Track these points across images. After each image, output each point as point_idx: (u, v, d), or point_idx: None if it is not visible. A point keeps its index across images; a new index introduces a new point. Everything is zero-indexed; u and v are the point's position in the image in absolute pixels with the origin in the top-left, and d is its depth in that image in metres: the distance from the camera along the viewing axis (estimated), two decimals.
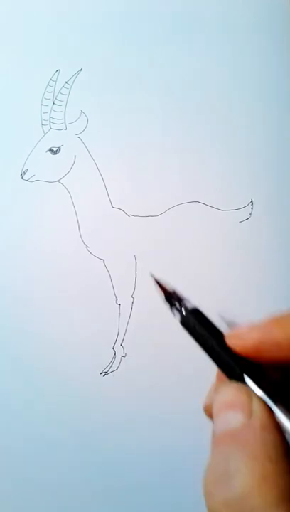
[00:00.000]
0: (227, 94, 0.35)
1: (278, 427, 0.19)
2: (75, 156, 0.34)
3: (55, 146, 0.34)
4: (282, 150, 0.35)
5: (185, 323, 0.23)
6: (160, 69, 0.35)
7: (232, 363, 0.21)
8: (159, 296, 0.26)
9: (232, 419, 0.20)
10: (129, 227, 0.34)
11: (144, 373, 0.33)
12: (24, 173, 0.33)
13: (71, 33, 0.34)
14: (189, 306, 0.24)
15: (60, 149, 0.34)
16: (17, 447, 0.33)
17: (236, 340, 0.21)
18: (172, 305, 0.25)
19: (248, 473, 0.18)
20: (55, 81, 0.33)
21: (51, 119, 0.33)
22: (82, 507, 0.33)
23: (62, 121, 0.34)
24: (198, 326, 0.23)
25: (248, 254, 0.35)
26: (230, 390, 0.21)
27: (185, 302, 0.24)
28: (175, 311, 0.24)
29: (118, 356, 0.34)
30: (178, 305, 0.24)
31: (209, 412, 0.23)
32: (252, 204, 0.35)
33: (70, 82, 0.34)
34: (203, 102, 0.35)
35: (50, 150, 0.34)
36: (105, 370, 0.33)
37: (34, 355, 0.33)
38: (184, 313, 0.24)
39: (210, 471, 0.19)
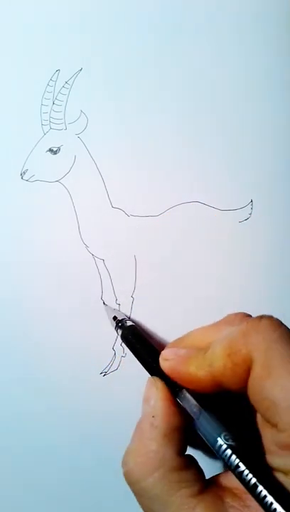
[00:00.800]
0: (228, 94, 0.35)
1: (171, 412, 0.25)
2: (75, 156, 0.34)
3: (55, 146, 0.34)
4: (282, 150, 0.35)
5: (123, 336, 0.31)
6: (160, 69, 0.35)
7: (149, 364, 0.28)
8: (108, 319, 0.33)
9: (144, 409, 0.26)
10: (129, 227, 0.34)
11: (144, 373, 0.33)
12: (24, 173, 0.33)
13: (71, 33, 0.34)
14: (127, 324, 0.31)
15: (59, 149, 0.34)
16: (16, 448, 0.33)
17: (161, 360, 0.27)
18: (116, 325, 0.32)
19: (134, 453, 0.25)
20: (55, 81, 0.33)
21: (51, 119, 0.33)
22: (82, 508, 0.33)
23: (62, 121, 0.34)
24: (131, 338, 0.30)
25: (248, 254, 0.35)
26: (147, 385, 0.27)
27: (124, 322, 0.32)
28: (118, 329, 0.32)
29: (118, 356, 0.34)
30: (120, 324, 0.32)
31: None
32: (252, 204, 0.35)
33: (69, 82, 0.34)
34: (203, 102, 0.35)
35: (50, 150, 0.34)
36: (105, 370, 0.33)
37: (33, 355, 0.33)
38: (125, 327, 0.31)
39: (128, 446, 0.26)
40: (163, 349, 0.28)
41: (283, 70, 0.36)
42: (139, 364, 0.33)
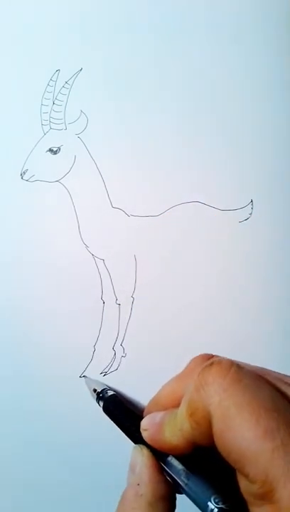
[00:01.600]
0: (228, 94, 0.35)
1: (155, 479, 0.24)
2: (75, 156, 0.34)
3: (54, 146, 0.34)
4: (282, 150, 0.35)
5: (104, 408, 0.31)
6: (160, 69, 0.35)
7: (133, 434, 0.27)
8: (90, 392, 0.33)
9: (128, 477, 0.25)
10: (129, 227, 0.34)
11: (144, 373, 0.33)
12: (24, 173, 0.33)
13: (71, 33, 0.34)
14: (108, 394, 0.31)
15: (59, 149, 0.34)
16: (15, 449, 0.33)
17: (141, 431, 0.25)
18: (97, 397, 0.32)
19: None
20: (55, 81, 0.33)
21: (51, 119, 0.33)
22: (82, 508, 0.33)
23: (62, 121, 0.34)
24: (113, 409, 0.31)
25: (248, 254, 0.35)
26: (132, 453, 0.26)
27: (105, 393, 0.32)
28: (99, 401, 0.31)
29: (118, 356, 0.34)
30: (101, 395, 0.32)
31: None
32: (252, 204, 0.35)
33: (69, 82, 0.34)
34: (203, 102, 0.35)
35: (50, 150, 0.34)
36: (105, 370, 0.33)
37: (33, 355, 0.33)
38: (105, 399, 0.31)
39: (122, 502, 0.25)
40: (143, 413, 0.27)
41: (283, 70, 0.36)
42: (139, 364, 0.33)
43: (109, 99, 0.34)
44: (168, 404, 0.25)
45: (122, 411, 0.30)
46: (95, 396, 0.32)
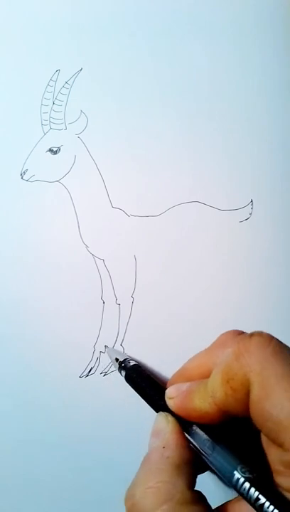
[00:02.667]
0: (228, 94, 0.35)
1: (180, 445, 0.24)
2: (75, 156, 0.34)
3: (54, 146, 0.34)
4: (282, 150, 0.35)
5: (127, 377, 0.31)
6: (160, 69, 0.35)
7: (156, 403, 0.28)
8: (112, 362, 0.33)
9: (152, 442, 0.25)
10: (129, 227, 0.34)
11: None
12: (24, 173, 0.33)
13: (71, 33, 0.34)
14: (130, 364, 0.31)
15: (59, 149, 0.34)
16: (15, 449, 0.33)
17: (166, 399, 0.26)
18: (119, 366, 0.32)
19: (143, 484, 0.23)
20: (55, 81, 0.33)
21: (51, 119, 0.33)
22: (82, 508, 0.33)
23: (62, 121, 0.34)
24: (136, 378, 0.30)
25: (248, 254, 0.35)
26: (156, 419, 0.26)
27: (127, 362, 0.32)
28: (121, 370, 0.32)
29: None
30: (123, 365, 0.32)
31: None
32: (252, 204, 0.35)
33: (70, 82, 0.34)
34: (204, 102, 0.35)
35: (50, 150, 0.34)
36: (105, 370, 0.33)
37: (33, 354, 0.33)
38: (128, 368, 0.31)
39: (133, 480, 0.25)
40: (167, 384, 0.27)
41: (283, 70, 0.36)
42: (139, 364, 0.33)
43: (109, 100, 0.34)
44: (195, 376, 0.25)
45: (145, 380, 0.30)
46: (117, 365, 0.32)
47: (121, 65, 0.34)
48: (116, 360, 0.32)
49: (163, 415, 0.26)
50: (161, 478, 0.23)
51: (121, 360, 0.32)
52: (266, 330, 0.34)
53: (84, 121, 0.34)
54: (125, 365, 0.32)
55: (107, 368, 0.34)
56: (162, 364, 0.33)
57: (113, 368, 0.34)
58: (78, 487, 0.33)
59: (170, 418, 0.26)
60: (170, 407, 0.26)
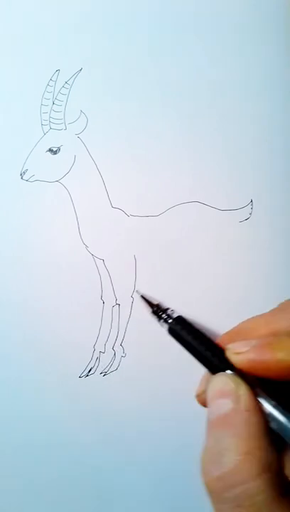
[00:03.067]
0: (228, 94, 0.35)
1: (260, 409, 0.22)
2: (75, 156, 0.34)
3: (54, 146, 0.34)
4: (282, 150, 0.35)
5: (171, 330, 0.28)
6: (160, 69, 0.35)
7: (217, 361, 0.25)
8: (147, 310, 0.29)
9: (223, 405, 0.23)
10: (128, 227, 0.34)
11: (144, 373, 0.33)
12: (24, 173, 0.33)
13: (71, 33, 0.34)
14: (173, 315, 0.28)
15: (59, 149, 0.34)
16: (14, 449, 0.33)
17: (232, 355, 0.25)
18: (159, 317, 0.29)
19: (235, 450, 0.21)
20: (55, 81, 0.33)
21: (51, 119, 0.33)
22: (81, 508, 0.33)
23: (62, 121, 0.34)
24: (182, 331, 0.27)
25: (248, 254, 0.35)
26: (221, 380, 0.24)
27: (170, 312, 0.29)
28: (163, 322, 0.29)
29: (118, 356, 0.34)
30: (164, 316, 0.29)
31: (201, 399, 0.27)
32: (252, 204, 0.35)
33: (69, 82, 0.34)
34: (204, 102, 0.35)
35: (50, 150, 0.34)
36: (105, 370, 0.33)
37: (33, 354, 0.33)
38: (170, 322, 0.28)
39: (205, 452, 0.22)
40: (220, 342, 0.26)
41: (283, 70, 0.35)
42: (139, 364, 0.33)
43: (109, 99, 0.34)
44: (253, 337, 0.25)
45: (194, 335, 0.27)
46: (155, 316, 0.29)
47: (121, 65, 0.34)
48: (156, 311, 0.29)
49: (228, 375, 0.24)
50: (256, 444, 0.21)
51: (164, 309, 0.29)
52: None
53: (84, 121, 0.34)
54: (168, 316, 0.28)
55: (107, 368, 0.34)
56: (162, 364, 0.33)
57: (113, 368, 0.34)
58: (78, 487, 0.33)
59: (238, 379, 0.24)
60: (236, 363, 0.24)
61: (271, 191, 0.35)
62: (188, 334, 0.27)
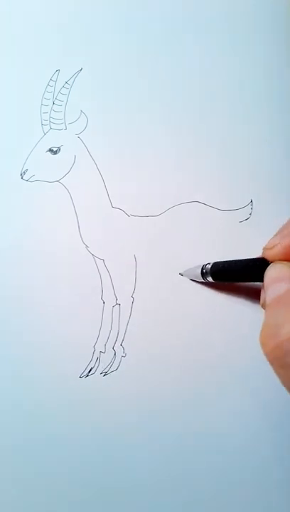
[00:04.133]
0: (228, 94, 0.35)
1: None
2: (75, 156, 0.34)
3: (54, 146, 0.34)
4: (282, 150, 0.35)
5: (214, 276, 0.32)
6: (160, 69, 0.35)
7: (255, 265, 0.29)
8: (197, 280, 0.33)
9: (279, 287, 0.26)
10: (129, 227, 0.34)
11: (144, 373, 0.33)
12: (24, 173, 0.33)
13: (71, 32, 0.34)
14: (209, 265, 0.32)
15: (59, 149, 0.34)
16: (15, 448, 0.33)
17: (266, 251, 0.28)
18: (202, 275, 0.33)
19: (287, 322, 0.23)
20: (55, 81, 0.33)
21: (51, 119, 0.33)
22: (81, 508, 0.33)
23: (62, 121, 0.34)
24: (223, 267, 0.32)
25: (248, 254, 0.35)
26: (275, 268, 0.27)
27: (207, 266, 0.32)
28: (206, 277, 0.32)
29: (118, 356, 0.34)
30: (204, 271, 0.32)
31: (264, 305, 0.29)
32: (252, 204, 0.35)
33: (69, 82, 0.34)
34: (204, 102, 0.35)
35: (50, 150, 0.34)
36: (105, 370, 0.33)
37: (33, 355, 0.33)
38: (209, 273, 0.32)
39: (263, 328, 0.25)
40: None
41: (282, 71, 0.36)
42: (139, 364, 0.33)
43: (109, 99, 0.34)
44: None
45: (230, 263, 0.31)
46: (201, 278, 0.33)
47: (121, 64, 0.34)
48: (202, 273, 0.33)
49: (281, 263, 0.27)
50: None
51: (200, 271, 0.33)
52: None
53: (84, 121, 0.34)
54: (206, 271, 0.32)
55: (108, 368, 0.34)
56: (162, 364, 0.33)
57: (113, 368, 0.34)
58: (78, 487, 0.33)
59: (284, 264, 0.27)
60: (273, 257, 0.27)
61: (271, 191, 0.35)
62: (228, 265, 0.31)
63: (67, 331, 0.33)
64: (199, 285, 0.34)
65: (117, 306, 0.34)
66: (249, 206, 0.35)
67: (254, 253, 0.34)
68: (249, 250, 0.35)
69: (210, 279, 0.32)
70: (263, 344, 0.24)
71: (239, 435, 0.32)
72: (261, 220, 0.35)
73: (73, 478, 0.33)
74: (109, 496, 0.33)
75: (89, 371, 0.33)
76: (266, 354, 0.24)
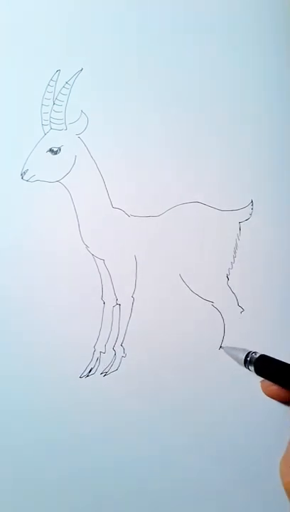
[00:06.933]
0: (228, 94, 0.35)
1: None
2: (75, 156, 0.34)
3: (55, 146, 0.34)
4: (282, 150, 0.35)
5: (257, 370, 0.31)
6: (160, 69, 0.35)
7: None
8: (238, 363, 0.32)
9: None
10: (129, 227, 0.34)
11: (144, 373, 0.33)
12: (24, 173, 0.33)
13: (71, 33, 0.34)
14: (255, 356, 0.31)
15: (60, 149, 0.34)
16: (16, 448, 0.33)
17: None
18: (245, 362, 0.31)
19: None
20: (56, 81, 0.33)
21: (51, 119, 0.33)
22: (81, 508, 0.33)
23: (63, 121, 0.34)
24: (266, 368, 0.31)
25: (248, 255, 0.35)
26: None
27: (252, 355, 0.32)
28: (250, 366, 0.31)
29: (118, 356, 0.34)
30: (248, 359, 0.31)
31: None
32: (252, 204, 0.35)
33: (70, 82, 0.34)
34: (204, 102, 0.35)
35: (51, 150, 0.34)
36: (106, 371, 0.33)
37: (34, 355, 0.33)
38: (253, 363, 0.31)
39: (284, 458, 0.27)
40: None
41: (282, 71, 0.36)
42: (139, 364, 0.33)
43: (109, 99, 0.34)
44: None
45: (276, 366, 0.31)
46: (242, 362, 0.32)
47: (121, 65, 0.34)
48: (246, 359, 0.32)
49: None
50: None
51: (244, 356, 0.32)
52: (266, 328, 0.34)
53: (84, 121, 0.34)
54: (250, 359, 0.31)
55: (108, 368, 0.34)
56: (162, 364, 0.33)
57: (113, 368, 0.34)
58: (78, 486, 0.33)
59: None
60: None
61: (271, 191, 0.35)
62: (274, 366, 0.31)
63: (67, 331, 0.33)
64: (199, 285, 0.34)
65: (117, 306, 0.34)
66: (250, 206, 0.35)
67: (254, 253, 0.34)
68: (249, 250, 0.35)
69: (252, 369, 0.31)
70: (283, 474, 0.26)
71: (239, 435, 0.32)
72: (261, 220, 0.35)
73: (73, 477, 0.33)
74: (109, 496, 0.33)
75: (90, 371, 0.33)
76: (285, 485, 0.26)
